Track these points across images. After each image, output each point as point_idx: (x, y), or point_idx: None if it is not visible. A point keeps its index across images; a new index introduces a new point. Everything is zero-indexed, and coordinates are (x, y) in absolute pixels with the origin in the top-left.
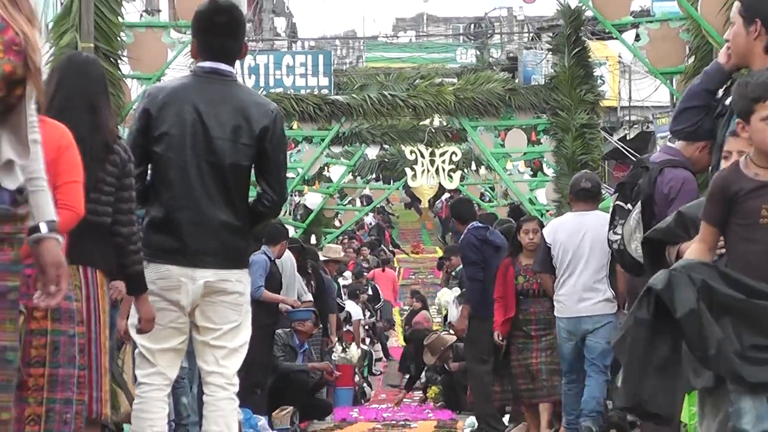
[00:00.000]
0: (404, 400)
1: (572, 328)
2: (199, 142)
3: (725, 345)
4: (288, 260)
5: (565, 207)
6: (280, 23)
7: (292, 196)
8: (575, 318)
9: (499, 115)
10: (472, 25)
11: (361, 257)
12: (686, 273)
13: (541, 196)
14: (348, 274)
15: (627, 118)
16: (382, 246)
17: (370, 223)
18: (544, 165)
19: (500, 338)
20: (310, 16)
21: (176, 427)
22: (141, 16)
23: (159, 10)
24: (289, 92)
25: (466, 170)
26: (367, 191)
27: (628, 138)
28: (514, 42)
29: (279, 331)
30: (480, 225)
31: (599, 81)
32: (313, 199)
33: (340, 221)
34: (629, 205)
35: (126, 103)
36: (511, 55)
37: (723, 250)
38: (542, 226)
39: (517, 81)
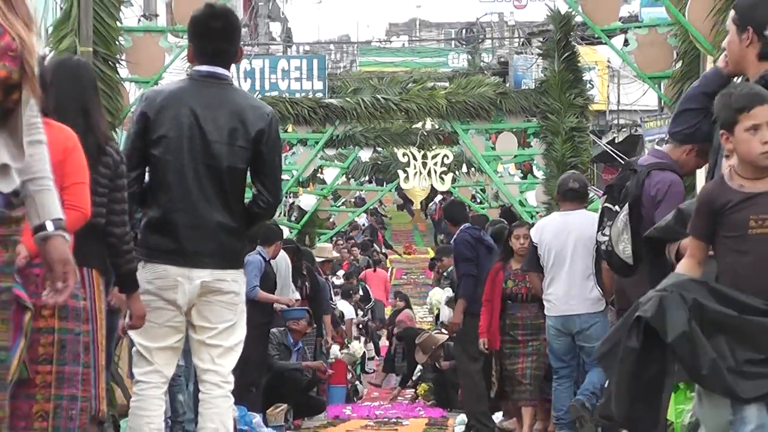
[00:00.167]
0: (397, 397)
1: (561, 326)
2: (197, 145)
3: (718, 363)
4: (282, 260)
5: (555, 209)
6: (276, 28)
7: (286, 197)
8: (564, 316)
9: (490, 119)
10: (464, 30)
11: (352, 257)
12: (678, 292)
13: (531, 198)
14: (341, 273)
15: (615, 121)
16: (375, 246)
17: (364, 224)
18: (534, 167)
19: (485, 345)
20: (305, 21)
21: (173, 424)
22: (139, 20)
23: (157, 15)
24: (284, 96)
25: (457, 172)
26: (361, 193)
27: (616, 141)
28: (505, 47)
29: (274, 330)
30: (472, 226)
31: (588, 85)
32: (307, 200)
33: (333, 222)
34: (617, 207)
35: (124, 106)
36: (502, 59)
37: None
38: None
39: (507, 85)
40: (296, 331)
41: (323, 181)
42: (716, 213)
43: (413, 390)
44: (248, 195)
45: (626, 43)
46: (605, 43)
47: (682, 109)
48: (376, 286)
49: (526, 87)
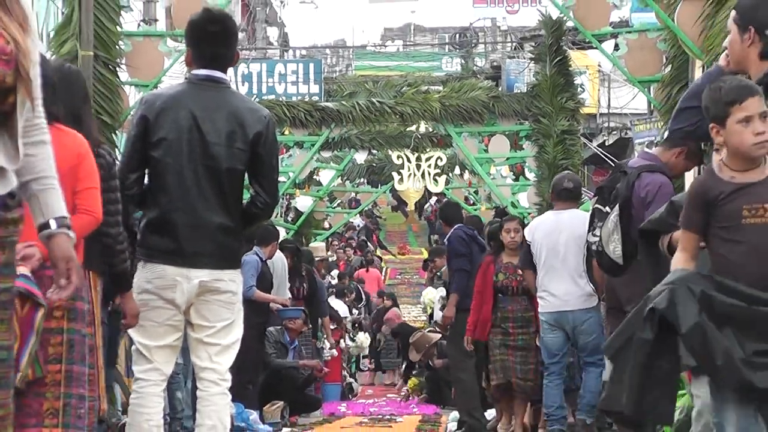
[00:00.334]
0: (389, 395)
1: (554, 321)
2: (196, 147)
3: (731, 354)
4: (279, 260)
5: (546, 210)
6: (273, 33)
7: (283, 199)
8: (558, 312)
9: (483, 122)
10: (458, 35)
11: (346, 257)
12: (685, 284)
13: (523, 200)
14: (335, 273)
15: (606, 124)
16: (369, 246)
17: (359, 225)
18: (526, 170)
19: (468, 344)
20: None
21: (171, 421)
22: (139, 25)
23: (156, 20)
24: (280, 99)
25: (450, 174)
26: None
27: (607, 144)
28: (498, 51)
29: (271, 328)
30: (466, 226)
31: (579, 89)
32: (303, 201)
33: (329, 224)
34: (608, 208)
35: (124, 109)
36: (495, 63)
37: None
38: (523, 225)
39: (500, 89)
40: (292, 330)
41: (319, 183)
42: (709, 205)
43: (405, 387)
44: (246, 196)
45: (616, 47)
46: (596, 48)
47: (684, 107)
48: (369, 285)
49: (519, 91)
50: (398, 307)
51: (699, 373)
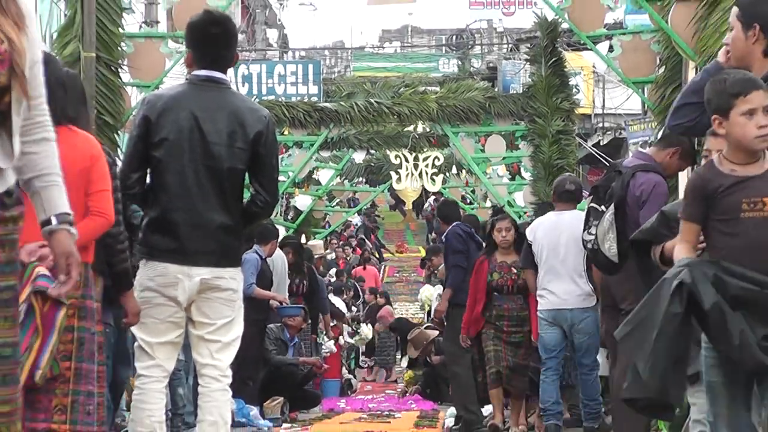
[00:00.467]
0: (387, 391)
1: (552, 318)
2: (197, 147)
3: (747, 334)
4: (279, 258)
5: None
6: (272, 34)
7: (282, 198)
8: (556, 310)
9: (480, 122)
10: (454, 37)
11: (345, 255)
12: (699, 268)
13: (519, 199)
14: (333, 271)
15: (601, 125)
16: (367, 244)
17: (357, 224)
18: (522, 169)
19: (464, 342)
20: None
21: (173, 417)
22: (140, 27)
23: (158, 22)
24: (280, 99)
25: (448, 174)
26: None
27: (601, 144)
28: (494, 53)
29: (271, 325)
30: (463, 224)
31: (574, 90)
32: (303, 200)
33: (328, 222)
34: (603, 207)
35: (126, 110)
36: (491, 65)
37: (704, 245)
38: (515, 224)
39: (496, 90)
40: (292, 327)
41: (318, 182)
42: (708, 197)
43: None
44: (246, 195)
45: (611, 49)
46: (591, 49)
47: (683, 103)
48: (367, 282)
49: (514, 91)
50: (391, 304)
51: (695, 381)
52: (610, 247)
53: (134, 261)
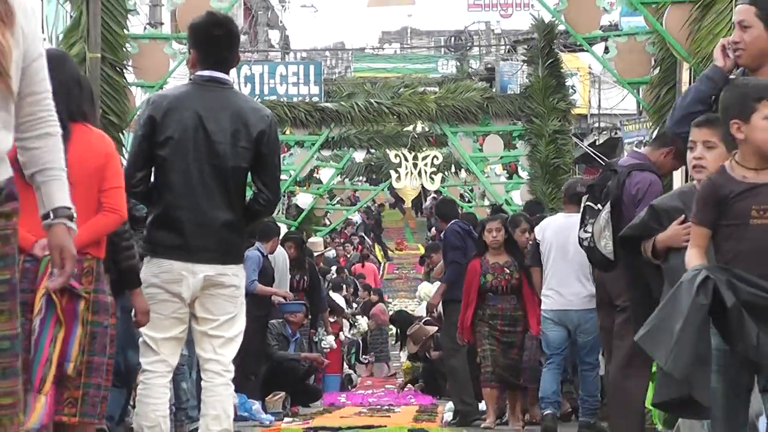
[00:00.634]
0: (387, 386)
1: (558, 319)
2: (201, 146)
3: (762, 337)
4: (280, 255)
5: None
6: (274, 36)
7: (284, 196)
8: (561, 311)
9: (478, 122)
10: (453, 38)
11: (345, 253)
12: (713, 272)
13: (516, 197)
14: (334, 268)
15: (596, 125)
16: (366, 242)
17: (357, 222)
18: (519, 168)
19: (461, 339)
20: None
21: (177, 411)
22: (145, 28)
23: (162, 23)
24: (282, 100)
25: (446, 173)
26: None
27: (597, 143)
28: (492, 54)
29: (273, 321)
30: (461, 222)
31: (571, 90)
32: (304, 199)
33: (329, 220)
34: (599, 206)
35: (130, 109)
36: (489, 66)
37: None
38: (506, 225)
39: (494, 90)
40: (294, 323)
41: (319, 181)
42: (720, 203)
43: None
44: (248, 193)
45: (606, 50)
46: (587, 51)
47: (689, 112)
48: (366, 279)
49: (512, 92)
50: (384, 302)
51: None
52: (606, 245)
53: (139, 249)
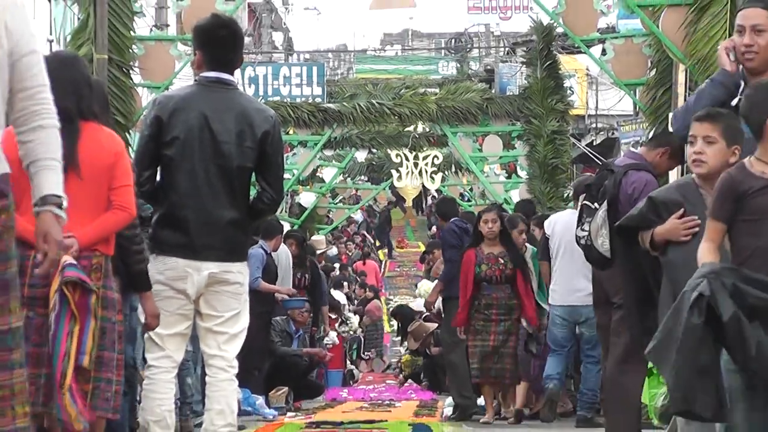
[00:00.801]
0: (388, 381)
1: (566, 315)
2: (207, 146)
3: (764, 345)
4: (283, 253)
5: (537, 206)
6: (278, 37)
7: (287, 195)
8: (569, 306)
9: (477, 122)
10: (453, 40)
11: (347, 251)
12: (718, 278)
13: (515, 197)
14: (338, 265)
15: (594, 125)
16: (368, 239)
17: (359, 220)
18: (518, 168)
19: (461, 332)
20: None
21: (182, 405)
22: (151, 30)
23: (167, 25)
24: (285, 100)
25: (446, 172)
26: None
27: (594, 144)
28: (491, 55)
29: (277, 318)
30: (460, 220)
31: (569, 91)
32: (307, 198)
33: (331, 218)
34: (596, 205)
35: (137, 110)
36: (489, 67)
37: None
38: (501, 216)
39: (493, 91)
40: (299, 322)
41: (322, 180)
42: (738, 198)
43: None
44: (252, 192)
45: (604, 52)
46: (584, 53)
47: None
48: (369, 277)
49: (511, 93)
50: (379, 299)
51: None
52: (603, 243)
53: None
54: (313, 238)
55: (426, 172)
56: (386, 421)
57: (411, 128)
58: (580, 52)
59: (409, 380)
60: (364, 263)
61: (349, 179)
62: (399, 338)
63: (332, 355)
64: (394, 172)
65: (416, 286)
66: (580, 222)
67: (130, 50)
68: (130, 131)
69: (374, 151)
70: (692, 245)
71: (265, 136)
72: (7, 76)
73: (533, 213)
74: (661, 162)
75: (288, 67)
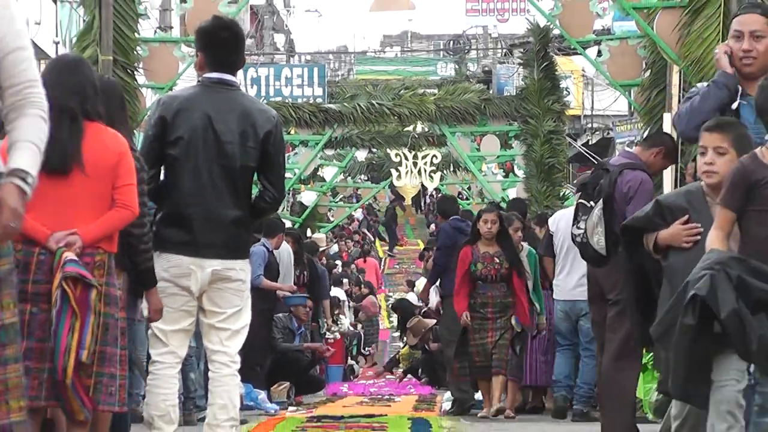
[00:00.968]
0: (387, 376)
1: (568, 309)
2: (211, 146)
3: (766, 339)
4: (285, 251)
5: (534, 205)
6: (280, 39)
7: (289, 193)
8: (571, 301)
9: (475, 122)
10: (452, 42)
11: (347, 248)
12: (723, 270)
13: (513, 195)
14: (339, 262)
15: (589, 125)
16: (368, 236)
17: (359, 218)
18: (515, 167)
19: (467, 317)
20: (306, 33)
21: (185, 400)
22: (155, 32)
23: (171, 27)
24: (287, 101)
25: (445, 171)
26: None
27: (590, 143)
28: (489, 57)
29: (279, 314)
30: (458, 218)
31: (565, 92)
32: (308, 196)
33: (332, 216)
34: (591, 203)
35: (141, 110)
36: (486, 68)
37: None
38: (501, 218)
39: (491, 92)
40: (301, 319)
41: (323, 179)
42: (750, 188)
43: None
44: (254, 191)
45: (599, 53)
46: (580, 54)
47: (710, 118)
48: (369, 274)
49: (508, 94)
50: (375, 295)
51: None
52: (598, 240)
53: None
54: (314, 235)
55: (425, 171)
56: (386, 415)
57: (410, 128)
58: (576, 54)
59: (408, 375)
60: (364, 261)
61: (349, 178)
62: (398, 333)
63: (334, 350)
64: (393, 171)
65: (414, 284)
66: (576, 220)
67: (135, 52)
68: (135, 131)
69: (374, 150)
70: (693, 252)
71: (268, 136)
72: None
73: (526, 212)
74: (656, 161)
75: (289, 68)
